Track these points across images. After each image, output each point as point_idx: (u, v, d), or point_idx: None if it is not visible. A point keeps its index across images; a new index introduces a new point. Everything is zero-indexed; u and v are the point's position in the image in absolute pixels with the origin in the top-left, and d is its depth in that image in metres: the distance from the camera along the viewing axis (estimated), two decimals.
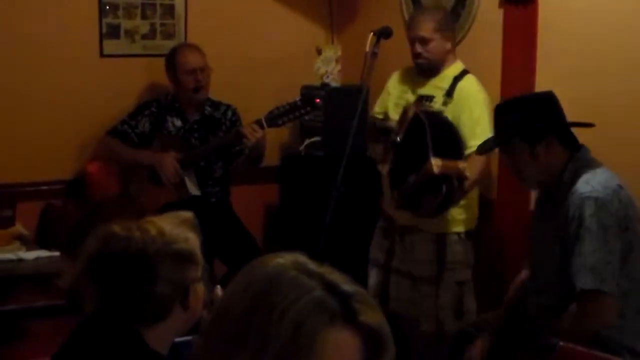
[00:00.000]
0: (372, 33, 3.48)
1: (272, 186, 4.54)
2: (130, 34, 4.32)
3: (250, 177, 4.34)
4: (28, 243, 3.61)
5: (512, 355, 2.81)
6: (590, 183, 2.58)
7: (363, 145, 4.27)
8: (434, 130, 3.24)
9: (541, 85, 3.48)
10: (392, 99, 3.69)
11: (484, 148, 2.97)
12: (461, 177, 3.18)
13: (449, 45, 3.54)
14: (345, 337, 1.05)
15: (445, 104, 3.46)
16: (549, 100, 2.69)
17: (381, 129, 3.58)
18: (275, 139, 4.48)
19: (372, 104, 4.29)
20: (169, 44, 4.26)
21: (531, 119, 2.64)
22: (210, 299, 1.68)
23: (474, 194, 3.57)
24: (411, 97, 3.58)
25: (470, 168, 3.23)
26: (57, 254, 3.52)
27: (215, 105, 4.18)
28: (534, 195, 3.11)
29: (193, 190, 4.01)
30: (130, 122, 4.10)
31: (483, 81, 3.67)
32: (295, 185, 4.40)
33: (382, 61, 3.53)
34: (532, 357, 2.71)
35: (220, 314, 1.10)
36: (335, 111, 4.19)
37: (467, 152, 3.31)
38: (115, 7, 4.26)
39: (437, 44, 3.51)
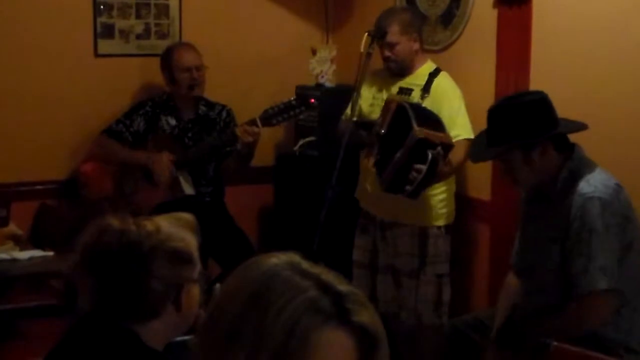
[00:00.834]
0: (366, 33, 3.49)
1: (267, 186, 4.54)
2: (124, 33, 4.31)
3: (244, 177, 4.34)
4: (22, 243, 3.60)
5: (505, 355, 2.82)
6: (592, 183, 2.59)
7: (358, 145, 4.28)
8: (417, 112, 3.31)
9: (535, 85, 3.48)
10: (366, 100, 3.70)
11: (480, 157, 2.97)
12: (446, 145, 3.22)
13: (416, 46, 3.59)
14: (339, 337, 1.05)
15: (422, 97, 3.51)
16: (542, 104, 2.68)
17: (362, 125, 3.59)
18: (270, 139, 4.48)
19: None
20: (164, 44, 4.26)
21: (527, 127, 2.63)
22: (205, 300, 1.68)
23: (452, 188, 3.62)
24: (386, 96, 3.61)
25: (454, 153, 3.28)
26: (51, 254, 3.51)
27: (210, 105, 4.18)
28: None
29: (187, 189, 4.01)
30: (125, 122, 4.09)
31: (477, 81, 3.69)
32: (290, 185, 4.40)
33: (376, 61, 3.53)
34: (526, 357, 2.71)
35: (215, 314, 1.10)
36: (330, 111, 4.19)
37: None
38: (109, 7, 4.26)
39: (404, 47, 3.55)
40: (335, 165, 3.33)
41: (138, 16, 4.33)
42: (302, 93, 4.22)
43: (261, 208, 4.69)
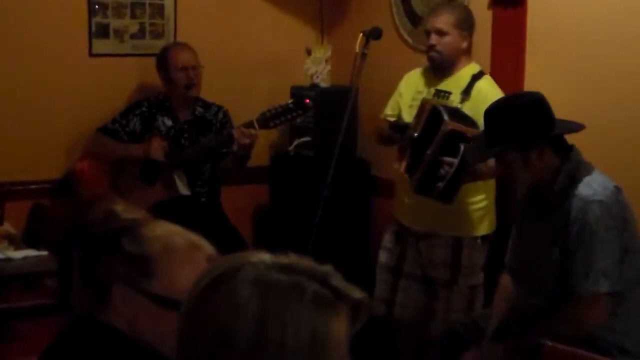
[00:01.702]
0: (361, 34, 3.48)
1: (262, 186, 4.54)
2: (119, 33, 4.31)
3: (240, 177, 4.34)
4: (16, 242, 3.59)
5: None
6: (592, 186, 2.59)
7: (353, 145, 4.28)
8: (450, 112, 3.19)
9: (529, 86, 3.49)
10: (406, 101, 3.56)
11: (478, 158, 2.97)
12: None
13: (465, 45, 3.43)
14: (343, 317, 1.08)
15: (462, 101, 3.34)
16: (539, 105, 2.69)
17: (396, 127, 3.47)
18: (265, 139, 4.47)
19: (362, 104, 4.31)
20: (159, 44, 4.25)
21: (524, 128, 2.63)
22: None
23: (492, 196, 3.45)
24: (426, 96, 3.46)
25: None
26: (45, 253, 3.51)
27: (207, 106, 4.18)
28: None
29: (183, 190, 4.01)
30: (121, 121, 4.09)
31: None
32: (285, 185, 4.40)
33: (371, 62, 3.53)
34: (520, 357, 2.72)
35: (220, 348, 1.06)
36: (325, 111, 4.20)
37: None
38: (104, 7, 4.25)
39: (453, 40, 3.39)
40: (330, 165, 3.32)
41: (133, 16, 4.33)
42: (298, 93, 4.22)
43: (256, 208, 4.69)
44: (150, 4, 4.35)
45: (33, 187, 4.15)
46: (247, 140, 3.77)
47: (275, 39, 4.62)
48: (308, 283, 1.06)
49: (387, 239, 3.65)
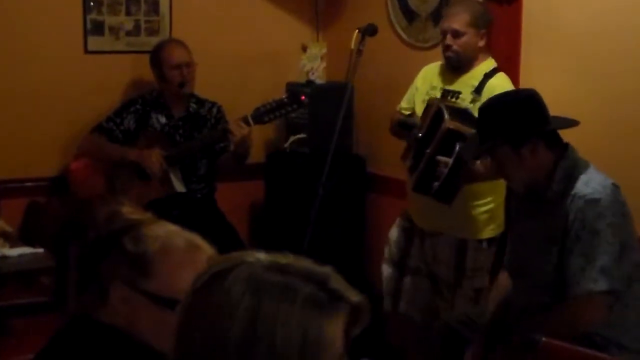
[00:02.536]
0: (357, 30, 3.48)
1: (258, 183, 4.54)
2: (114, 30, 4.30)
3: (235, 174, 4.33)
4: (12, 240, 3.59)
5: (495, 352, 2.83)
6: (590, 184, 2.59)
7: (348, 142, 4.29)
8: (453, 112, 3.16)
9: (525, 82, 3.50)
10: (420, 95, 3.53)
11: (471, 155, 2.97)
12: None
13: (482, 43, 3.38)
14: (340, 320, 1.07)
15: (473, 101, 3.29)
16: (532, 101, 2.69)
17: (403, 125, 3.45)
18: (261, 135, 4.48)
19: (357, 101, 4.31)
20: (154, 41, 4.25)
21: (515, 124, 2.63)
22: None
23: (500, 199, 3.33)
24: (439, 94, 3.43)
25: None
26: (40, 251, 3.51)
27: (201, 102, 4.17)
28: None
29: (178, 186, 4.01)
30: (115, 120, 4.08)
31: None
32: (281, 182, 4.40)
33: (367, 59, 3.54)
34: (514, 354, 2.72)
35: (212, 340, 1.06)
36: (321, 108, 4.20)
37: None
38: (99, 4, 4.24)
39: (469, 39, 3.34)
40: (326, 162, 3.32)
41: (128, 13, 4.32)
42: (293, 90, 4.22)
43: (252, 205, 4.69)
44: (145, 1, 4.35)
45: (29, 184, 4.15)
46: (243, 131, 3.77)
47: (271, 36, 4.62)
48: (303, 285, 1.06)
49: (394, 234, 3.63)
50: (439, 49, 3.77)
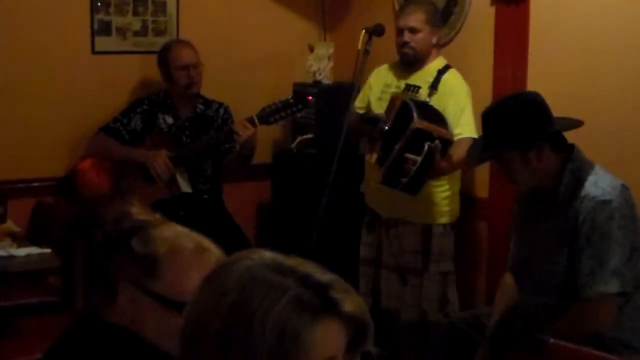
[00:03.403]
0: (364, 30, 3.49)
1: (265, 183, 4.54)
2: (121, 30, 4.31)
3: (242, 174, 4.33)
4: (19, 240, 3.60)
5: (504, 353, 2.82)
6: (599, 185, 2.58)
7: (355, 142, 4.28)
8: (420, 108, 3.31)
9: (533, 83, 3.49)
10: (375, 93, 3.71)
11: (475, 160, 2.97)
12: (445, 140, 3.22)
13: (435, 40, 3.59)
14: (330, 330, 1.05)
15: (430, 95, 3.49)
16: (536, 104, 2.68)
17: (367, 120, 3.60)
18: (268, 136, 4.48)
19: None
20: (161, 41, 4.25)
21: (520, 128, 2.63)
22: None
23: (456, 186, 3.62)
24: (395, 90, 3.61)
25: (456, 150, 3.27)
26: (48, 251, 3.51)
27: (208, 103, 4.17)
28: None
29: (184, 187, 4.01)
30: (123, 120, 4.09)
31: (475, 79, 3.68)
32: (288, 182, 4.40)
33: (374, 58, 3.54)
34: (523, 355, 2.71)
35: (196, 331, 1.07)
36: (328, 108, 4.19)
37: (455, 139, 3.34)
38: (107, 4, 4.25)
39: (425, 36, 3.55)
40: (333, 162, 3.32)
41: (135, 13, 4.33)
42: (300, 91, 4.22)
43: (259, 205, 4.69)
44: (152, 1, 4.35)
45: (36, 184, 4.16)
46: (248, 132, 3.77)
47: (278, 36, 4.62)
48: (296, 287, 1.05)
49: (364, 233, 3.78)
50: (447, 49, 3.78)
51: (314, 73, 4.44)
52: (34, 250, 3.49)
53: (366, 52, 3.41)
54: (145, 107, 4.11)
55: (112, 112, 4.13)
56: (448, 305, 3.58)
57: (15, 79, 4.09)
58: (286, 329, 1.02)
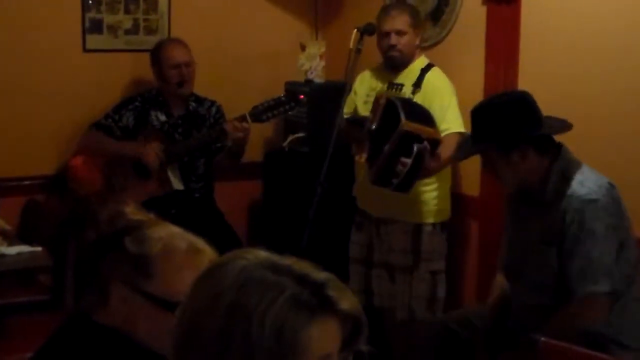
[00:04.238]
0: (356, 29, 3.49)
1: (256, 182, 4.54)
2: (113, 29, 4.30)
3: (233, 173, 4.34)
4: (10, 238, 3.58)
5: (495, 353, 2.83)
6: (585, 184, 2.59)
7: (347, 141, 4.28)
8: (406, 107, 3.34)
9: (523, 81, 3.50)
10: (361, 98, 3.75)
11: (461, 154, 2.99)
12: (433, 140, 3.24)
13: (418, 41, 3.64)
14: (327, 328, 1.06)
15: (413, 93, 3.54)
16: (525, 103, 2.68)
17: (354, 121, 3.64)
18: (259, 134, 4.48)
19: None
20: (152, 40, 4.25)
21: (505, 129, 2.63)
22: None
23: (446, 185, 3.64)
24: (380, 89, 3.64)
25: (444, 147, 3.29)
26: (39, 249, 3.50)
27: (200, 101, 4.17)
28: None
29: (177, 184, 4.01)
30: (114, 117, 4.08)
31: (465, 79, 3.70)
32: (279, 181, 4.40)
33: (365, 58, 3.54)
34: (514, 354, 2.72)
35: (189, 334, 1.07)
36: (319, 107, 4.19)
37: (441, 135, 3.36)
38: (98, 2, 4.24)
39: (411, 38, 3.60)
40: (325, 161, 3.33)
41: (127, 11, 4.32)
42: (292, 89, 4.22)
43: (250, 204, 4.69)
44: (144, 0, 4.34)
45: (27, 182, 4.15)
46: (240, 134, 3.78)
47: (269, 35, 4.62)
48: (292, 286, 1.05)
49: (353, 232, 3.81)
50: (438, 48, 3.79)
51: (306, 72, 4.44)
52: (24, 248, 3.48)
53: (358, 51, 3.41)
54: (137, 104, 4.11)
55: (103, 110, 4.12)
56: (435, 303, 3.61)
57: (6, 76, 4.08)
58: (284, 328, 1.03)
